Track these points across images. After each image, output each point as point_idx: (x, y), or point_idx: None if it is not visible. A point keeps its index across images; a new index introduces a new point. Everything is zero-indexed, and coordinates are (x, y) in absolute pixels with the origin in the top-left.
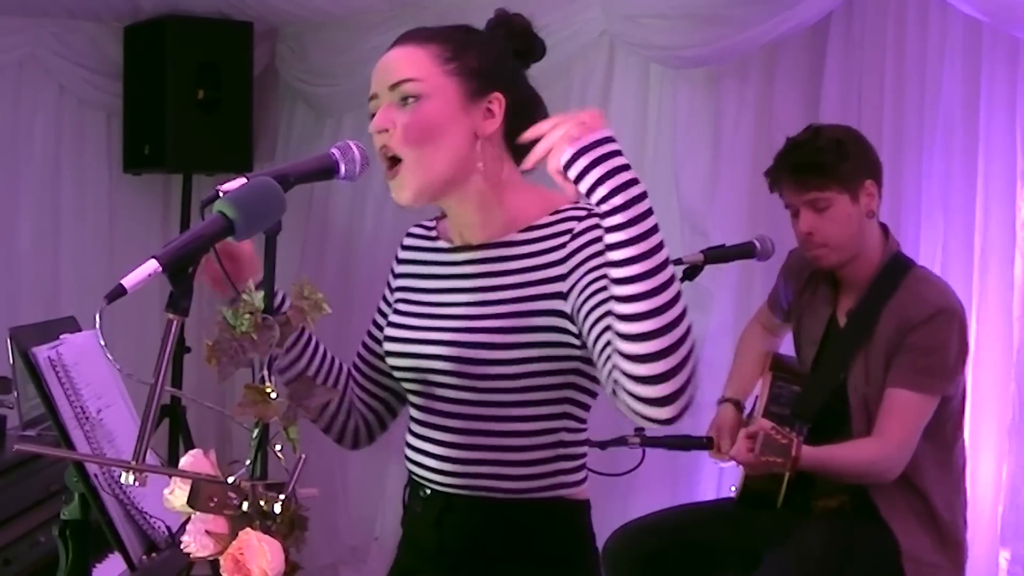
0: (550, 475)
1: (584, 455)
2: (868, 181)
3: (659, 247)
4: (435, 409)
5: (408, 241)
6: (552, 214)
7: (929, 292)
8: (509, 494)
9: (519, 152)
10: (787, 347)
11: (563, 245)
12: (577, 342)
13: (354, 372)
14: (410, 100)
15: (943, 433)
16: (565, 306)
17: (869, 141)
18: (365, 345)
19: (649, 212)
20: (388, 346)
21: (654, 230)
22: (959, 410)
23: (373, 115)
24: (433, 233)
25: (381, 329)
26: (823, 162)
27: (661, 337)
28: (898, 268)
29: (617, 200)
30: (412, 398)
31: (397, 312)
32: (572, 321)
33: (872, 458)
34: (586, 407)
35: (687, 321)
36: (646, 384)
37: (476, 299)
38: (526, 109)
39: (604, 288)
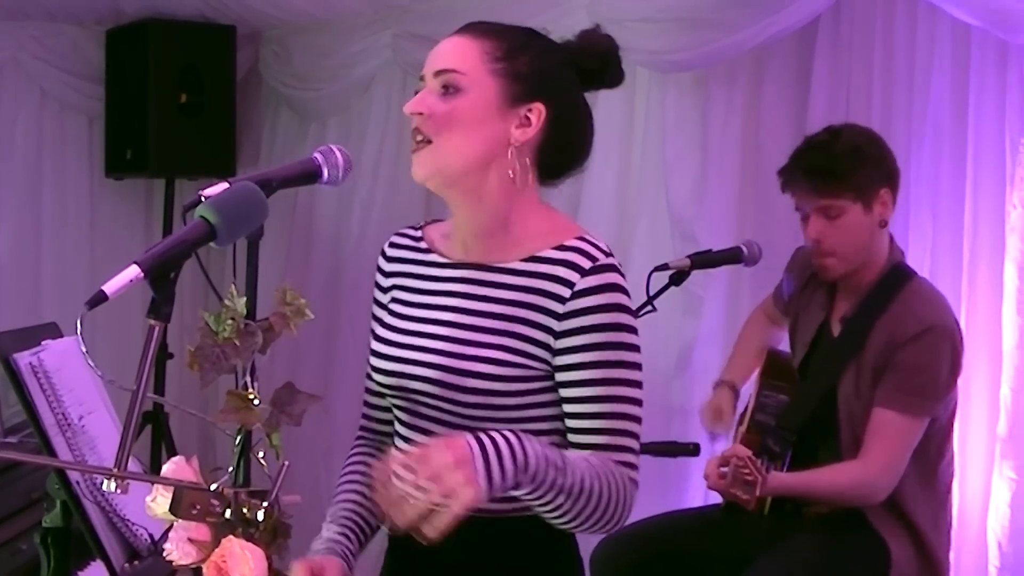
0: None
1: None
2: (883, 190)
3: (568, 497)
4: (420, 427)
5: (392, 252)
6: (556, 248)
7: (922, 308)
8: (493, 512)
9: (547, 169)
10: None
11: (561, 298)
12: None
13: (371, 400)
14: (450, 90)
15: (927, 452)
16: (551, 359)
17: (887, 146)
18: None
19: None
20: (374, 361)
21: (562, 496)
22: (946, 428)
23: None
24: (422, 244)
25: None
26: (839, 169)
27: (579, 526)
28: (897, 279)
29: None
30: (398, 413)
31: (384, 326)
32: (554, 369)
33: (852, 482)
34: None
35: (603, 507)
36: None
37: (466, 321)
38: (569, 126)
39: (592, 384)
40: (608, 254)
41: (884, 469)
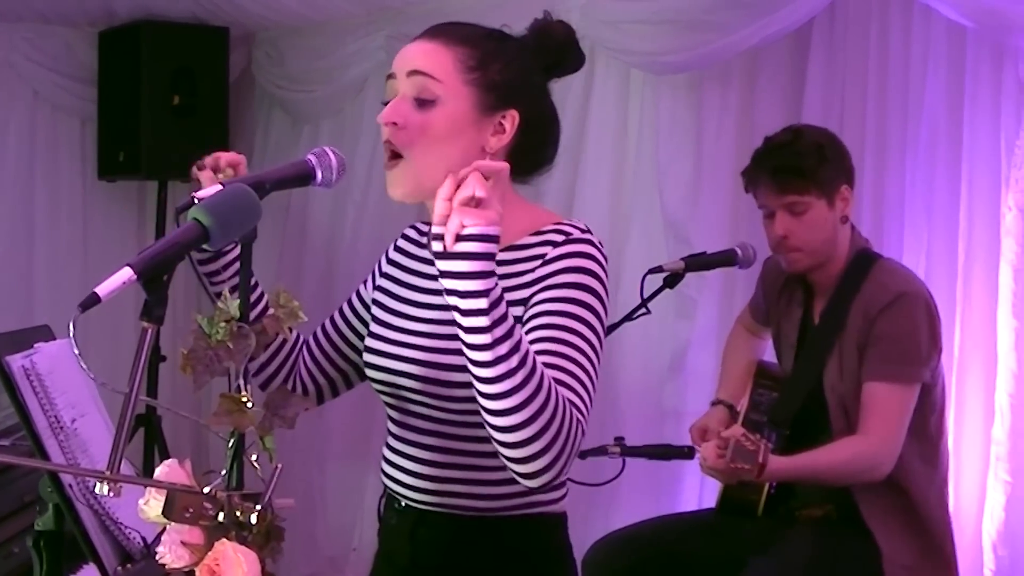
0: (525, 493)
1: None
2: (844, 186)
3: (515, 349)
4: (409, 424)
5: (401, 243)
6: (533, 234)
7: (890, 279)
8: (483, 512)
9: (520, 168)
10: (771, 353)
11: (532, 271)
12: None
13: (311, 341)
14: (425, 100)
15: (927, 427)
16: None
17: (844, 144)
18: (332, 320)
19: (505, 316)
20: (366, 356)
21: (510, 333)
22: (941, 402)
23: (387, 100)
24: (425, 239)
25: (354, 311)
26: (804, 166)
27: (522, 430)
28: (864, 262)
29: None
30: (389, 411)
31: (377, 321)
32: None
33: (852, 455)
34: None
35: (550, 411)
36: (513, 462)
37: (448, 317)
38: (539, 127)
39: (548, 327)
40: (585, 231)
41: (883, 441)
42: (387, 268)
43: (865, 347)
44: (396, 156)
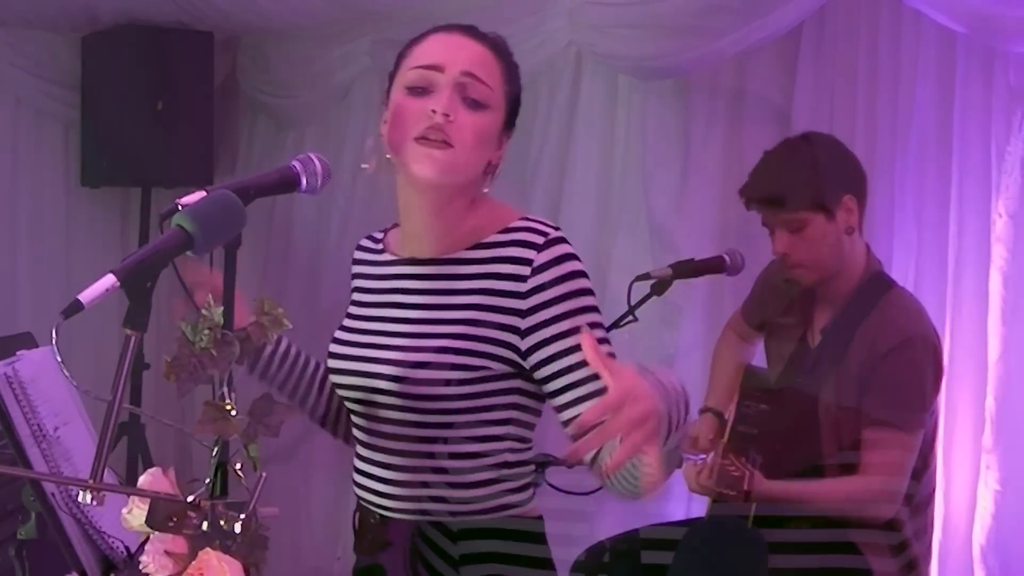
0: (495, 496)
1: (530, 473)
2: (846, 196)
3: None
4: (379, 431)
5: (358, 253)
6: (502, 232)
7: (902, 318)
8: (457, 516)
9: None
10: (760, 358)
11: (520, 276)
12: (522, 365)
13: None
14: (479, 102)
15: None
16: (520, 343)
17: (850, 152)
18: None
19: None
20: (331, 363)
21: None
22: (931, 438)
23: (418, 87)
24: (379, 245)
25: None
26: (795, 182)
27: None
28: (876, 288)
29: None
30: (356, 420)
31: (341, 327)
32: (523, 357)
33: (854, 492)
34: (530, 426)
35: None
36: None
37: (421, 316)
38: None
39: (574, 351)
40: (556, 228)
41: (885, 482)
42: (354, 282)
43: (867, 383)
44: (441, 143)
